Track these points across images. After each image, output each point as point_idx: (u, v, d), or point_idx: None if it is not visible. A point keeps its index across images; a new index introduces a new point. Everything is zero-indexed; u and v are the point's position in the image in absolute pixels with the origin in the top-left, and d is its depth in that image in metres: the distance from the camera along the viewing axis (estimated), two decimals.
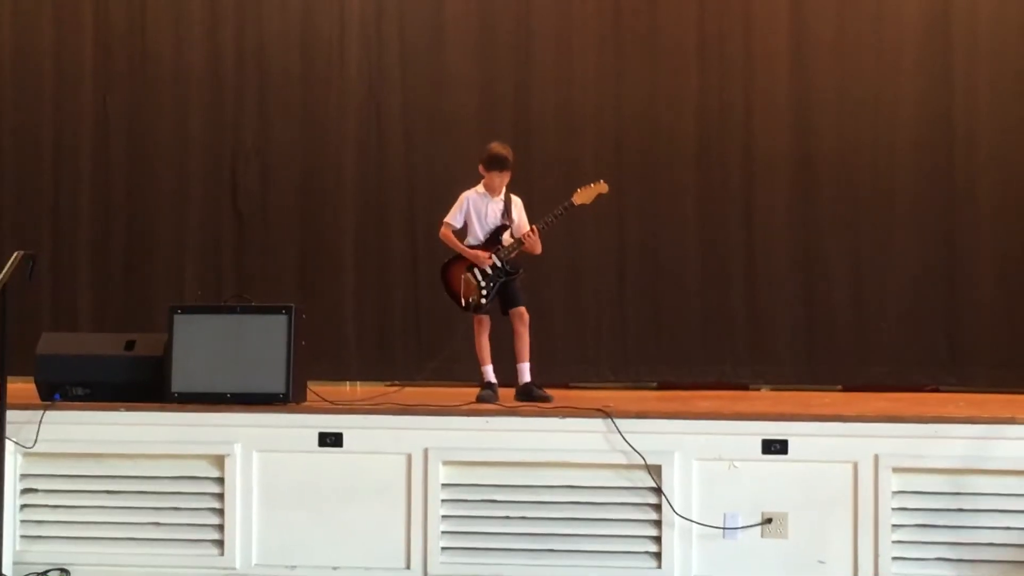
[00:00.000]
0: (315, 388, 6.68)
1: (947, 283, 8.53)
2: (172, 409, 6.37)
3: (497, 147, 7.01)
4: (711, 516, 5.99)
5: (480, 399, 6.73)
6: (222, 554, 6.27)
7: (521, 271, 7.00)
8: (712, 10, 8.76)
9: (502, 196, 7.02)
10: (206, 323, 6.50)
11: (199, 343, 6.46)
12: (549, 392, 6.85)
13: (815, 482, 5.95)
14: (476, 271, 6.94)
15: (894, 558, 5.88)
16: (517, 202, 7.06)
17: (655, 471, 6.00)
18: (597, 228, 8.66)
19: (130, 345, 6.66)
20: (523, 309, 6.93)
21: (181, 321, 6.49)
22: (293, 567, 6.26)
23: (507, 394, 6.87)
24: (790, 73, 8.69)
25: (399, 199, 8.99)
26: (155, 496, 6.33)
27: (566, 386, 8.24)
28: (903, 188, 8.58)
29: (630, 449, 5.99)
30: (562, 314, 8.75)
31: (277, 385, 6.38)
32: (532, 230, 6.92)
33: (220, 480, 6.28)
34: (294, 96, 9.12)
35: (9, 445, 6.21)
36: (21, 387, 6.52)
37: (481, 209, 7.01)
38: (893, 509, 5.88)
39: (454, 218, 7.03)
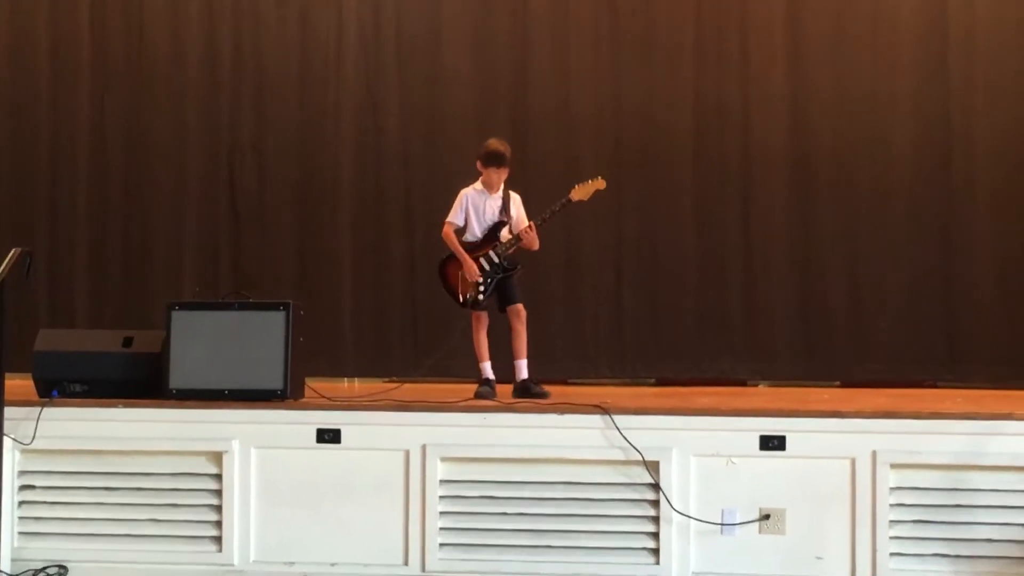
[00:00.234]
0: (313, 384, 6.67)
1: (944, 280, 8.54)
2: (170, 406, 6.36)
3: (495, 143, 7.01)
4: (709, 512, 5.98)
5: (478, 395, 6.73)
6: (220, 550, 6.26)
7: (519, 267, 7.00)
8: (709, 8, 8.79)
9: (500, 192, 7.01)
10: (204, 320, 6.49)
11: (197, 340, 6.44)
12: (547, 388, 6.84)
13: (813, 478, 5.94)
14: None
15: (892, 554, 5.88)
16: (515, 198, 7.06)
17: (653, 467, 5.99)
18: (595, 225, 8.67)
19: (128, 342, 6.64)
20: (520, 306, 6.93)
21: (179, 318, 6.48)
22: (291, 563, 6.24)
23: (505, 390, 6.88)
24: (787, 71, 8.71)
25: (397, 197, 9.00)
26: (153, 493, 6.32)
27: (564, 382, 8.25)
28: (900, 186, 8.59)
29: (628, 445, 5.98)
30: (560, 310, 8.76)
31: (275, 381, 6.37)
32: (530, 226, 6.92)
33: (218, 477, 6.27)
34: (291, 94, 9.13)
35: (7, 442, 6.19)
36: (19, 383, 6.50)
37: (479, 205, 7.01)
38: (891, 505, 5.87)
39: (456, 216, 7.01)
